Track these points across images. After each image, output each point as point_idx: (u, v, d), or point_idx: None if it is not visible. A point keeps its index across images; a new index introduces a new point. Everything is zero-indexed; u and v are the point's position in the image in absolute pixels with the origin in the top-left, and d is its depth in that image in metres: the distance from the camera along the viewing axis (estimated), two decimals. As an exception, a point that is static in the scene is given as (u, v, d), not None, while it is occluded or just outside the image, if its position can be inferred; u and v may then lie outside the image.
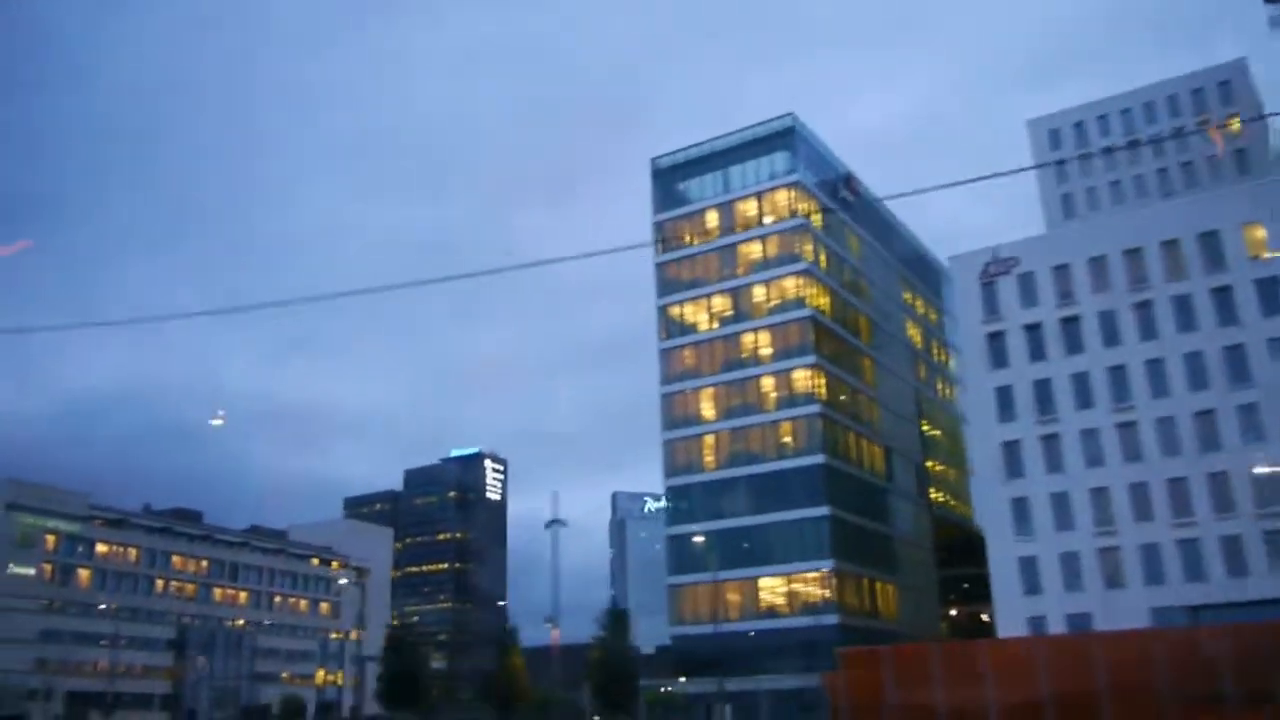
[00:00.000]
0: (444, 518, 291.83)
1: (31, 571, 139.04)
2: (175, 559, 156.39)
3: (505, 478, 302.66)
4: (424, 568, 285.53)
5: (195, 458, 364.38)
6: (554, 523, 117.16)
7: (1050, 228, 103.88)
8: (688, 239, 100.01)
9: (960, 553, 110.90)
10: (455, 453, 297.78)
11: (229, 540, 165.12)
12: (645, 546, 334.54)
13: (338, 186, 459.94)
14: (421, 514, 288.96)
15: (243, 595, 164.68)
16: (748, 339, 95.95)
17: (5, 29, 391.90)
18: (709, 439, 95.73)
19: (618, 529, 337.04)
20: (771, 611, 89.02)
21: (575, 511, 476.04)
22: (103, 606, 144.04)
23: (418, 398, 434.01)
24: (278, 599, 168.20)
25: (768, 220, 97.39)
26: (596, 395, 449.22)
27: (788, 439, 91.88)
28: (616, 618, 78.51)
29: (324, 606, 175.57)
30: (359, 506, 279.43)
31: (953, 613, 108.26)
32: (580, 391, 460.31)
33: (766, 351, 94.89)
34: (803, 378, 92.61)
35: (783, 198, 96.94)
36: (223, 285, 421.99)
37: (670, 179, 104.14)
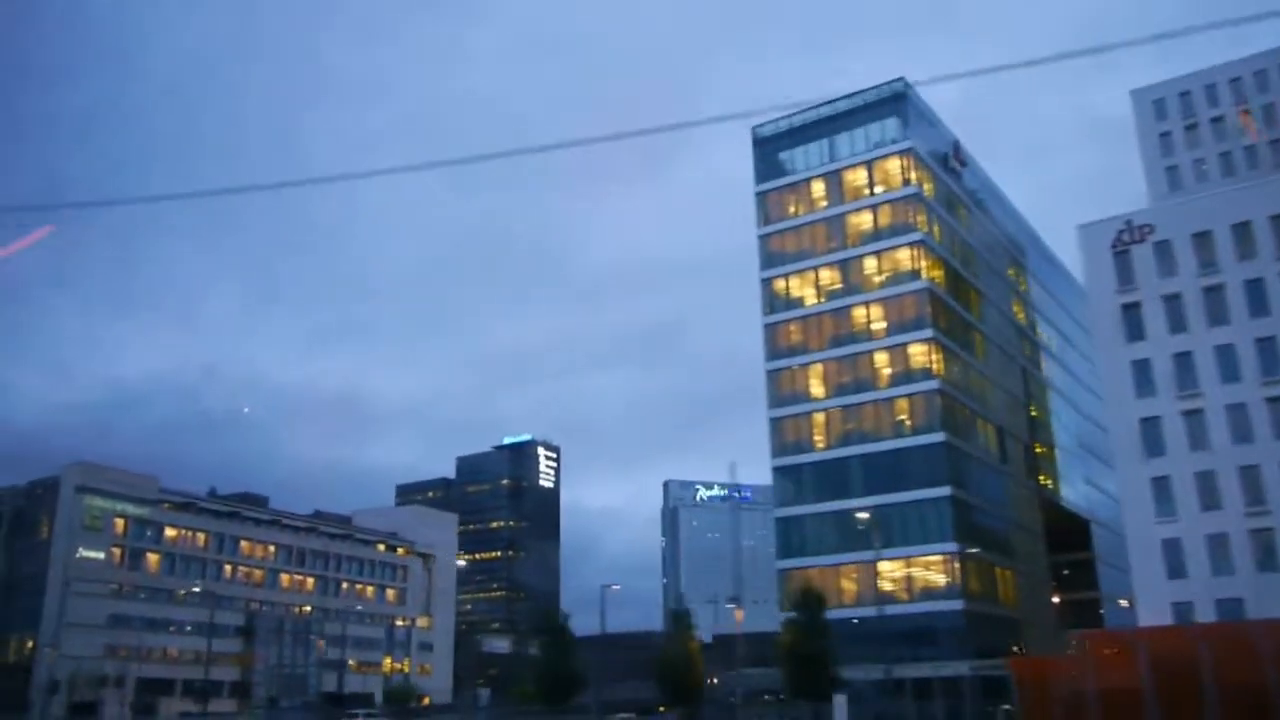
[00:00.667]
0: (497, 505, 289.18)
1: (101, 555, 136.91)
2: (243, 544, 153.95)
3: (558, 465, 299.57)
4: (477, 555, 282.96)
5: (240, 445, 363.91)
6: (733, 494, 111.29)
7: (1153, 201, 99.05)
8: (792, 210, 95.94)
9: (1065, 537, 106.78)
10: (507, 440, 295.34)
11: (296, 525, 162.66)
12: (698, 535, 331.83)
13: (388, 175, 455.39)
14: (474, 502, 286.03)
15: (310, 581, 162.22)
16: (859, 313, 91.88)
17: (58, 12, 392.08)
18: (819, 417, 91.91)
19: (670, 517, 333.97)
20: (889, 597, 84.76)
21: (620, 501, 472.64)
22: (181, 591, 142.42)
23: (461, 388, 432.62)
24: (344, 585, 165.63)
25: (879, 189, 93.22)
26: (637, 385, 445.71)
27: (904, 416, 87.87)
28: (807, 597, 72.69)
29: (390, 593, 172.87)
30: (411, 494, 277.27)
31: (1054, 600, 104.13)
32: (621, 382, 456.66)
33: (879, 326, 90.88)
34: (919, 353, 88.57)
35: (894, 166, 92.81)
36: (269, 270, 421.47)
37: (771, 148, 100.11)
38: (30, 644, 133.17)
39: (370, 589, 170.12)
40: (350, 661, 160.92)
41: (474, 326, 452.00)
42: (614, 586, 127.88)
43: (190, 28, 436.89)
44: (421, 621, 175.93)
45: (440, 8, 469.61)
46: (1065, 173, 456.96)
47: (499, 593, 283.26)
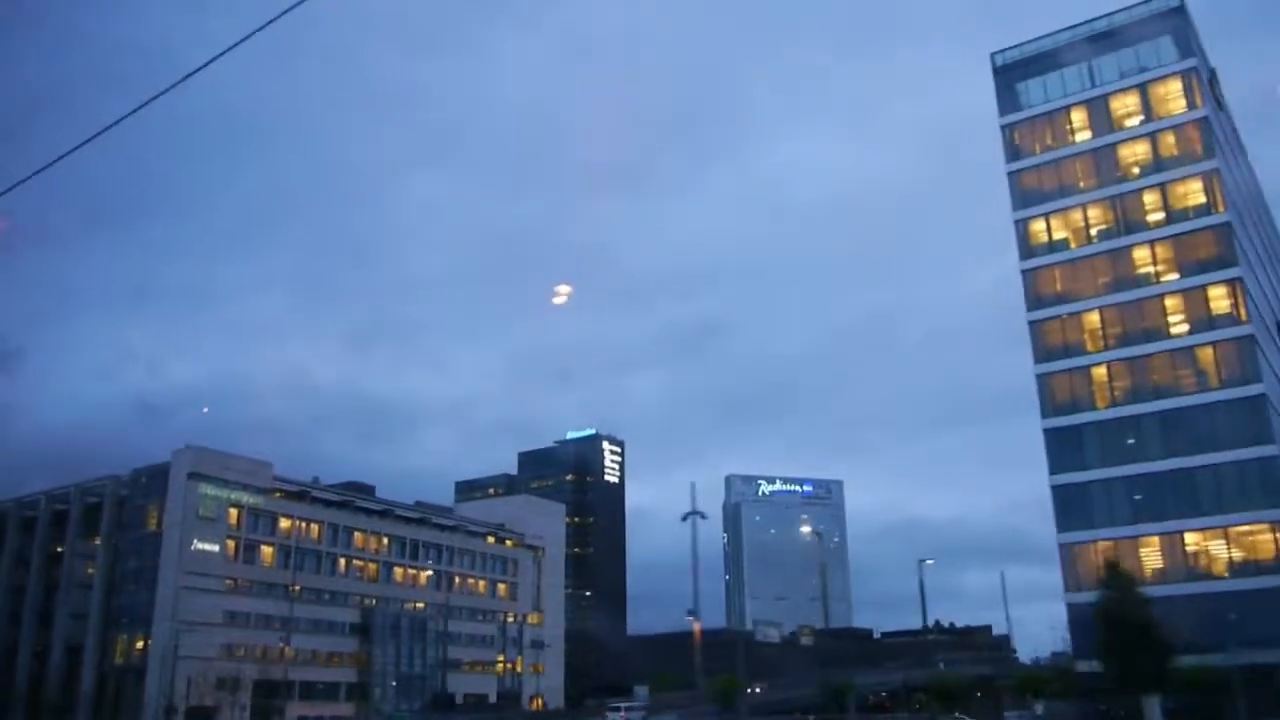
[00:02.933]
0: (561, 501, 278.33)
1: (215, 548, 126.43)
2: (357, 536, 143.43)
3: (623, 460, 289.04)
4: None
5: (291, 445, 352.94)
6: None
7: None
8: (1049, 142, 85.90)
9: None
10: (571, 435, 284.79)
11: (408, 516, 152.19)
12: (760, 530, 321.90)
13: (433, 180, 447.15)
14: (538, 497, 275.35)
15: (423, 575, 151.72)
16: (1139, 254, 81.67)
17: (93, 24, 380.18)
18: (1098, 371, 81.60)
19: (732, 513, 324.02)
20: (1200, 572, 74.49)
21: (680, 496, 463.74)
22: (297, 587, 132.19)
23: (513, 385, 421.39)
24: (456, 580, 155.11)
25: (1156, 115, 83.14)
26: (675, 385, 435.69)
27: (1207, 368, 77.59)
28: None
29: (501, 588, 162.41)
30: (471, 490, 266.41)
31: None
32: (667, 379, 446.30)
33: (1168, 267, 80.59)
34: (1220, 296, 78.37)
35: (1174, 88, 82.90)
36: (312, 276, 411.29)
37: (1014, 77, 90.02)
38: (141, 644, 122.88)
39: (482, 584, 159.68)
40: (465, 661, 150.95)
41: (519, 329, 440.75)
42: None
43: (230, 32, 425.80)
44: (532, 618, 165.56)
45: (484, 13, 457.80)
46: None
47: (567, 590, 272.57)
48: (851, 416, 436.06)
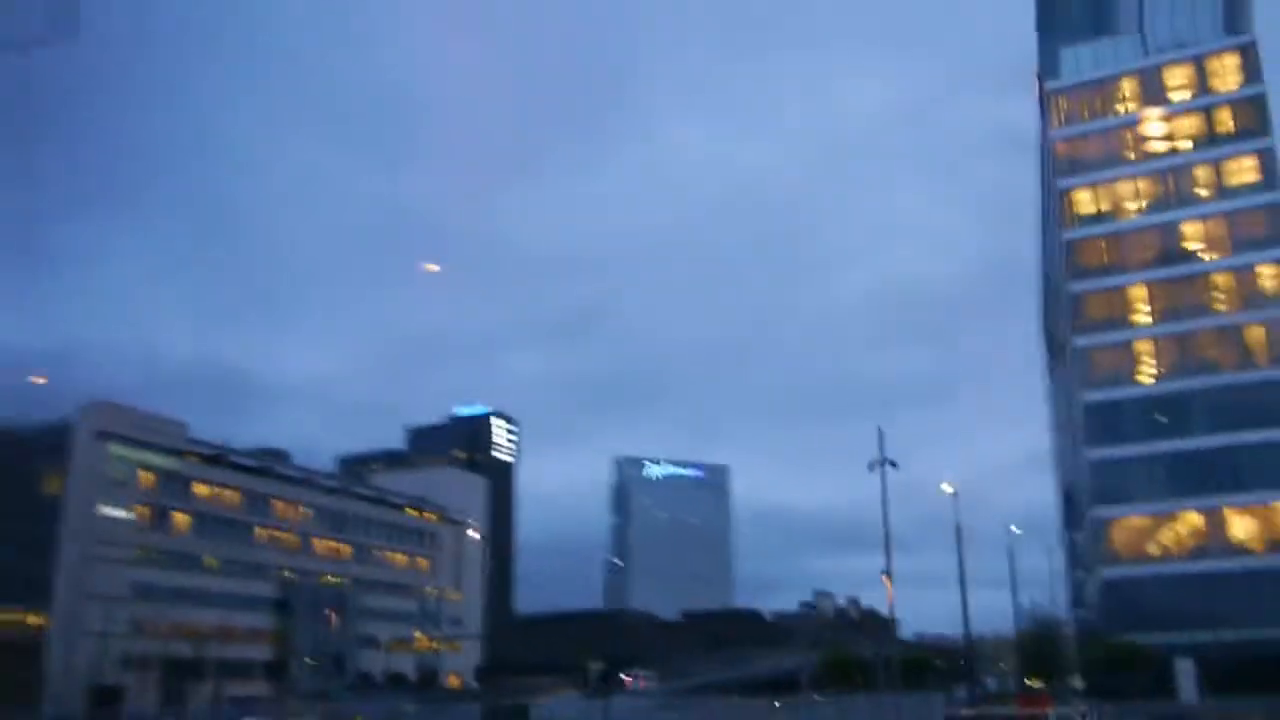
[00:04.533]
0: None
1: (126, 515, 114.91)
2: (276, 505, 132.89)
3: (519, 439, 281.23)
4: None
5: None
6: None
7: None
8: (1097, 109, 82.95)
9: None
10: (463, 411, 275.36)
11: (327, 486, 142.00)
12: (648, 513, 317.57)
13: (319, 150, 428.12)
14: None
15: (346, 548, 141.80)
16: (1189, 228, 79.53)
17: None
18: (1143, 346, 79.25)
19: (618, 494, 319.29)
20: (1241, 549, 72.99)
21: (566, 477, 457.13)
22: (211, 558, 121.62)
23: (391, 364, 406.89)
24: (375, 552, 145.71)
25: (1209, 89, 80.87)
26: (560, 366, 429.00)
27: (1255, 346, 75.83)
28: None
29: (421, 562, 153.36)
30: (355, 465, 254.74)
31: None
32: (552, 362, 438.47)
33: (1217, 243, 78.52)
34: (1272, 274, 76.59)
35: (1230, 62, 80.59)
36: (175, 240, 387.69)
37: (1056, 41, 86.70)
38: (40, 621, 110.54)
39: (402, 557, 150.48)
40: (383, 638, 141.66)
41: (402, 307, 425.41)
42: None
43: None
44: (451, 594, 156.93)
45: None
46: None
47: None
48: (736, 404, 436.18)
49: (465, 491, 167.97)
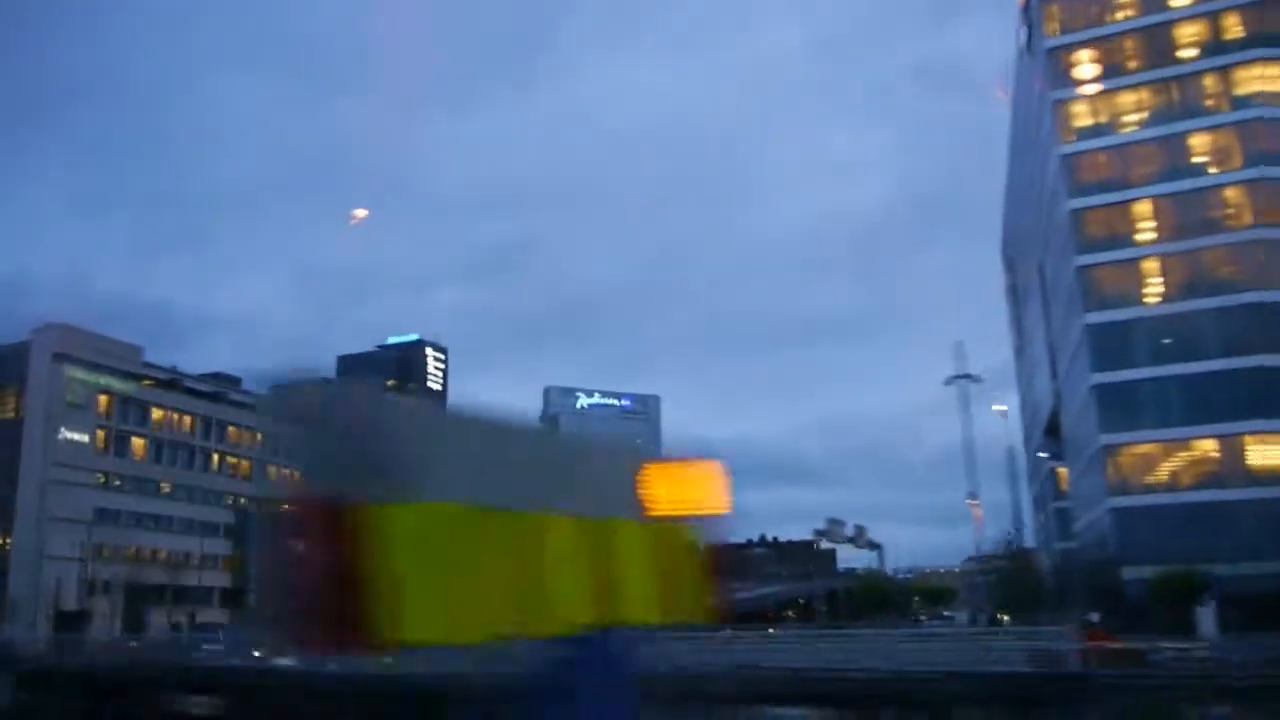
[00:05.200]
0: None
1: (85, 439, 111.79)
2: (231, 430, 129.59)
3: (446, 367, 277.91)
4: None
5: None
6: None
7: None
8: (1093, 16, 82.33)
9: None
10: (393, 339, 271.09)
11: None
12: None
13: (241, 83, 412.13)
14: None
15: (296, 475, 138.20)
16: (1197, 141, 78.87)
17: None
18: (1149, 264, 78.64)
19: (550, 425, 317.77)
20: (1261, 478, 70.73)
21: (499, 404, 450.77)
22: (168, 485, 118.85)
23: (317, 298, 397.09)
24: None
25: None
26: (495, 301, 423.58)
27: (1273, 264, 75.12)
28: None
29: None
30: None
31: None
32: (479, 296, 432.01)
33: (1228, 156, 78.21)
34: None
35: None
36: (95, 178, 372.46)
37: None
38: (3, 544, 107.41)
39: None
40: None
41: (325, 242, 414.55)
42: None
43: None
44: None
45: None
46: None
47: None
48: (665, 337, 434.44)
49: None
